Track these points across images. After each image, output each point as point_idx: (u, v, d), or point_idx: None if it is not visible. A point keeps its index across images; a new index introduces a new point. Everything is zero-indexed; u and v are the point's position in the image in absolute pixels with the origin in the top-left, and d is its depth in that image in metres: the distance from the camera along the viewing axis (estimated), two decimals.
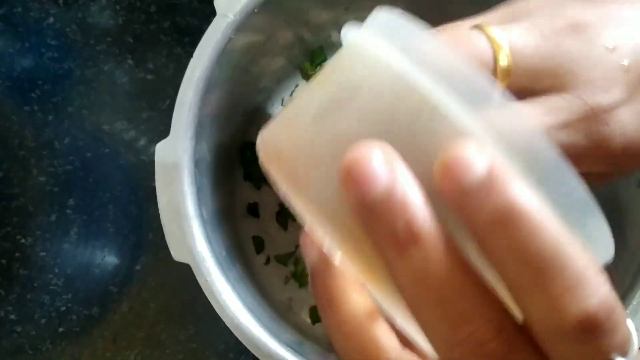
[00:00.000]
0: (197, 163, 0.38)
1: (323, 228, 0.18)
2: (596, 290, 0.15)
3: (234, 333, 0.35)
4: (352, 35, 0.19)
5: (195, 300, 0.49)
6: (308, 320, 0.47)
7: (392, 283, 0.17)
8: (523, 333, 0.16)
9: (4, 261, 0.50)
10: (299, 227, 0.49)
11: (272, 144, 0.19)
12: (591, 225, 0.16)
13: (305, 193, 0.18)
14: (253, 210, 0.49)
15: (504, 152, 0.16)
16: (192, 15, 0.52)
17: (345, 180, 0.16)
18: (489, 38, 0.24)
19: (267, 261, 0.48)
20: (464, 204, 0.15)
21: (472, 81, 0.16)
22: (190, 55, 0.37)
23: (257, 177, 0.49)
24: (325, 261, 0.21)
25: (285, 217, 0.49)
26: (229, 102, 0.43)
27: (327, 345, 0.46)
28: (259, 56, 0.44)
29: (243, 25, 0.38)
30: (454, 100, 0.16)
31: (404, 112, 0.17)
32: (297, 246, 0.48)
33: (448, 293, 0.15)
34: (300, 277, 0.48)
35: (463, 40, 0.24)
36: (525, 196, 0.15)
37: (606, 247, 0.17)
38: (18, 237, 0.50)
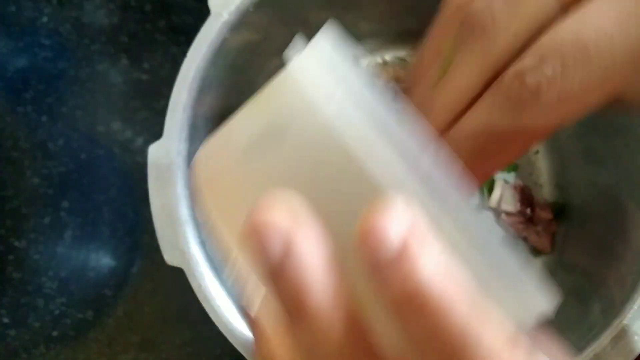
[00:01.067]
0: (191, 165, 0.37)
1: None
2: None
3: (228, 338, 0.35)
4: (294, 62, 0.18)
5: (191, 303, 0.48)
6: None
7: None
8: None
9: None
10: None
11: (206, 167, 0.19)
12: (520, 281, 0.16)
13: (230, 228, 0.18)
14: None
15: (429, 215, 0.15)
16: (188, 14, 0.52)
17: (247, 238, 0.15)
18: None
19: None
20: (374, 277, 0.15)
21: (404, 138, 0.16)
22: (185, 54, 0.37)
23: None
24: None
25: None
26: (224, 102, 0.42)
27: None
28: (255, 56, 0.43)
29: (238, 24, 0.37)
30: (382, 160, 0.16)
31: (330, 164, 0.16)
32: None
33: None
34: None
35: None
36: (437, 276, 0.14)
37: (539, 299, 0.16)
38: (11, 239, 0.50)
